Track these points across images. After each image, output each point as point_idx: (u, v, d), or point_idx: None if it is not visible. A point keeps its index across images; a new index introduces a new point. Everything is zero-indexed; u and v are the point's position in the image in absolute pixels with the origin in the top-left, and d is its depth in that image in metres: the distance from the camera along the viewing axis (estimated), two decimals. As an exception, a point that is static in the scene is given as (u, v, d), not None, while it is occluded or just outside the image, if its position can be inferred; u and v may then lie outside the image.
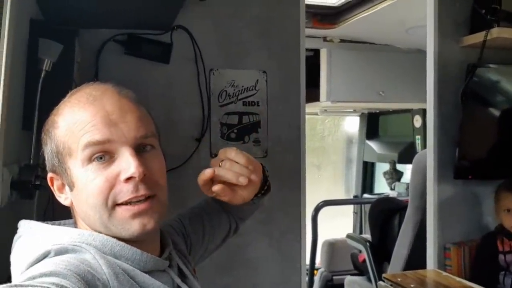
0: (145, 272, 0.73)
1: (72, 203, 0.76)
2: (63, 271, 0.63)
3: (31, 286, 0.58)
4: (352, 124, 5.05)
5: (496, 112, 2.13)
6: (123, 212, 0.71)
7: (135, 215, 0.72)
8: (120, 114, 0.73)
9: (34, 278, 0.62)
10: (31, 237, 0.74)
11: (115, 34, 1.92)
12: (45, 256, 0.68)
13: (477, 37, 2.04)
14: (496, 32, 1.97)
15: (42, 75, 1.33)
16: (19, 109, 1.37)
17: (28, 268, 0.68)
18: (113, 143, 0.71)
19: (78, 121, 0.72)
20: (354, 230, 4.62)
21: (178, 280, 0.80)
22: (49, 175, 0.77)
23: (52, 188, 0.78)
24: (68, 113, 0.74)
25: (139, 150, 0.74)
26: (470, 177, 2.10)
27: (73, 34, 1.51)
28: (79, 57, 1.61)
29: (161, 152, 0.79)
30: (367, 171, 4.82)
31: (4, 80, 1.04)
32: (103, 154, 0.71)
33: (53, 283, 0.59)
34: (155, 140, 0.78)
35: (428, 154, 2.16)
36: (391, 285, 1.76)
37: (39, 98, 1.31)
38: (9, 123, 1.20)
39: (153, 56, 1.96)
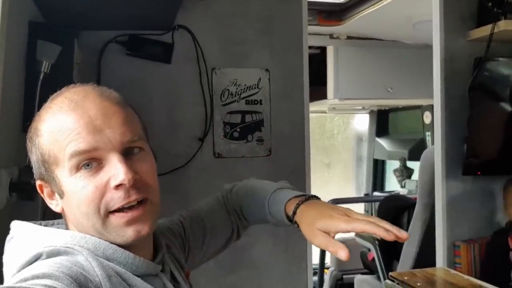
0: (137, 276, 0.72)
1: (63, 209, 0.75)
2: (55, 273, 0.62)
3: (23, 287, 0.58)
4: (361, 122, 5.01)
5: (505, 106, 2.09)
6: (116, 219, 0.70)
7: (129, 222, 0.71)
8: (104, 119, 0.71)
9: (26, 280, 0.61)
10: (23, 238, 0.74)
11: (116, 35, 1.93)
12: (37, 258, 0.68)
13: (484, 31, 2.00)
14: (503, 25, 1.93)
15: (41, 77, 1.34)
16: (19, 111, 1.38)
17: (19, 270, 0.67)
18: (99, 150, 0.70)
19: (62, 129, 0.70)
20: (365, 229, 4.57)
21: (169, 286, 0.79)
22: (38, 182, 0.76)
23: (42, 195, 0.77)
24: (50, 120, 0.72)
25: (127, 153, 0.72)
26: (479, 173, 2.07)
27: (72, 35, 1.52)
28: (79, 59, 1.61)
29: (150, 153, 0.77)
30: (378, 169, 4.78)
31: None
32: (90, 161, 0.70)
33: (45, 285, 0.59)
34: (143, 141, 0.75)
35: (436, 151, 2.13)
36: (398, 283, 1.73)
37: (38, 100, 1.32)
38: (7, 125, 1.21)
39: (155, 56, 1.97)
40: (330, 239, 0.79)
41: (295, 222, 0.90)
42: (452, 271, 1.87)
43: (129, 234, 0.71)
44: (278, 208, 0.94)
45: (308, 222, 0.84)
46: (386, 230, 0.75)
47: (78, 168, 0.70)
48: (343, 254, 0.75)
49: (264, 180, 1.07)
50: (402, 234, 0.75)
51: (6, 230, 0.76)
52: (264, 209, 0.98)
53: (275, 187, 0.98)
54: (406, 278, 1.72)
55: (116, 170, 0.69)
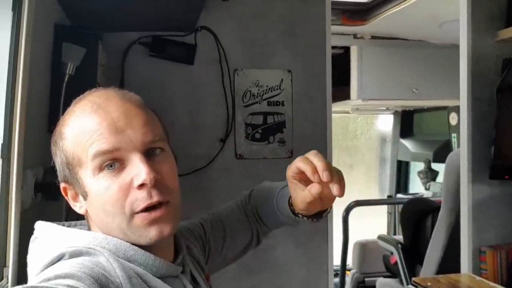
0: (158, 278, 0.73)
1: (87, 211, 0.76)
2: (77, 273, 0.63)
3: (47, 287, 0.59)
4: (385, 122, 4.94)
5: (534, 109, 2.02)
6: (140, 220, 0.71)
7: (152, 223, 0.71)
8: (126, 120, 0.72)
9: (49, 279, 0.62)
10: (47, 239, 0.75)
11: (140, 37, 1.96)
12: (59, 258, 0.69)
13: (513, 31, 1.94)
14: (534, 25, 1.88)
15: (66, 79, 1.37)
16: (45, 112, 1.41)
17: (43, 270, 0.68)
18: (121, 150, 0.71)
19: (85, 131, 0.71)
20: (388, 231, 4.52)
21: (190, 287, 0.79)
22: (62, 185, 0.78)
23: (66, 197, 0.78)
24: (74, 123, 0.74)
25: (149, 154, 0.73)
26: (506, 177, 2.01)
27: (96, 37, 1.54)
28: (103, 60, 1.64)
29: (171, 154, 0.78)
30: (401, 170, 4.71)
31: (23, 85, 1.06)
32: (113, 161, 0.71)
33: (68, 285, 0.60)
34: (164, 142, 0.77)
35: (462, 153, 2.08)
36: (421, 289, 1.70)
37: (63, 101, 1.35)
38: (33, 126, 1.24)
39: (177, 57, 1.98)
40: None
41: (298, 213, 0.90)
42: (477, 277, 1.83)
43: (152, 234, 0.72)
44: (284, 204, 0.94)
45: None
46: (313, 172, 0.75)
47: (101, 168, 0.71)
48: (313, 189, 0.76)
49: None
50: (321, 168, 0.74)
51: (31, 230, 0.78)
52: (274, 207, 0.98)
53: (283, 184, 0.98)
54: (429, 283, 1.69)
55: (138, 170, 0.70)
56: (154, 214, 0.71)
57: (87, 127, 0.71)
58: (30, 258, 0.75)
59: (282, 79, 2.10)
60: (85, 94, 0.77)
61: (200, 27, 2.00)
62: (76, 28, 1.52)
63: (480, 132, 2.02)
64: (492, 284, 1.71)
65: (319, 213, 0.90)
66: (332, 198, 0.82)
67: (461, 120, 2.08)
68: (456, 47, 2.15)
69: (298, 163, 0.78)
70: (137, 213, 0.71)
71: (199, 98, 2.04)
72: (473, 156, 2.03)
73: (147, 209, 0.71)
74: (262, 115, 2.08)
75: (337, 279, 3.44)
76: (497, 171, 1.98)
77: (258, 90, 2.07)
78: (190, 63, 2.01)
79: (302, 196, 0.82)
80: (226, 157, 2.05)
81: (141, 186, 0.70)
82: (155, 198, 0.71)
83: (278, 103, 2.09)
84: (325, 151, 2.14)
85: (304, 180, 0.80)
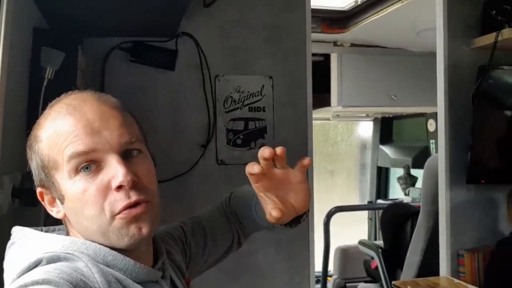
0: (138, 283, 0.72)
1: (64, 215, 0.75)
2: (55, 279, 0.62)
3: None
4: (365, 129, 5.00)
5: (509, 114, 2.08)
6: (119, 220, 0.71)
7: (131, 221, 0.71)
8: (101, 121, 0.72)
9: (26, 286, 0.61)
10: (24, 244, 0.74)
11: (120, 42, 1.94)
12: (37, 264, 0.68)
13: (488, 39, 2.00)
14: (507, 33, 1.93)
15: (45, 83, 1.35)
16: (23, 117, 1.39)
17: (19, 276, 0.67)
18: (98, 152, 0.70)
19: (60, 133, 0.71)
20: (368, 236, 4.56)
21: None
22: (38, 190, 0.77)
23: (43, 203, 0.77)
24: (49, 126, 0.73)
25: (126, 155, 0.73)
26: (483, 181, 2.05)
27: (76, 42, 1.53)
28: (82, 65, 1.62)
29: (149, 156, 0.78)
30: (381, 176, 4.76)
31: (0, 90, 1.05)
32: (89, 163, 0.70)
33: None
34: (141, 144, 0.76)
35: (440, 159, 2.12)
36: (401, 292, 1.72)
37: (41, 106, 1.33)
38: (10, 131, 1.22)
39: (158, 63, 1.98)
40: None
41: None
42: (456, 280, 1.86)
43: (131, 232, 0.71)
44: (262, 209, 0.93)
45: None
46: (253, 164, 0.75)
47: (77, 170, 0.70)
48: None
49: None
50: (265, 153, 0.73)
51: (8, 236, 0.77)
52: (252, 211, 0.97)
53: None
54: (409, 287, 1.71)
55: (115, 171, 0.70)
56: (134, 211, 0.71)
57: (62, 129, 0.71)
58: (6, 264, 0.74)
59: (263, 85, 2.11)
60: (60, 97, 0.76)
61: (181, 32, 2.00)
62: (55, 32, 1.50)
63: (458, 138, 2.07)
64: (470, 286, 1.74)
65: (298, 218, 0.89)
66: (303, 202, 0.80)
67: (439, 126, 2.12)
68: (433, 54, 2.19)
69: (246, 170, 0.76)
70: (118, 214, 0.70)
71: (180, 104, 2.04)
72: (450, 161, 2.07)
73: (127, 208, 0.71)
74: (243, 121, 2.08)
75: (318, 285, 3.45)
76: (473, 176, 2.03)
77: (239, 96, 2.08)
78: (171, 69, 2.00)
79: (268, 218, 0.80)
80: (207, 162, 2.04)
81: (119, 188, 0.70)
82: (134, 198, 0.70)
83: (259, 109, 2.10)
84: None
85: (269, 189, 0.78)
